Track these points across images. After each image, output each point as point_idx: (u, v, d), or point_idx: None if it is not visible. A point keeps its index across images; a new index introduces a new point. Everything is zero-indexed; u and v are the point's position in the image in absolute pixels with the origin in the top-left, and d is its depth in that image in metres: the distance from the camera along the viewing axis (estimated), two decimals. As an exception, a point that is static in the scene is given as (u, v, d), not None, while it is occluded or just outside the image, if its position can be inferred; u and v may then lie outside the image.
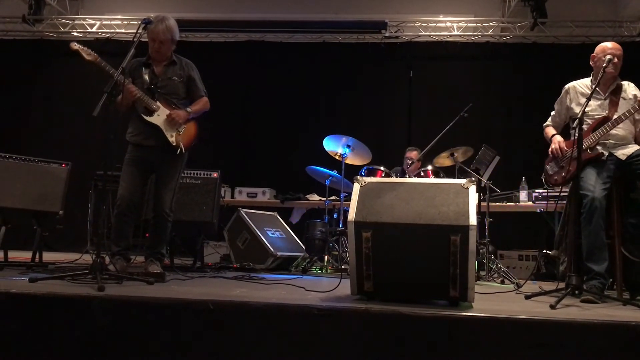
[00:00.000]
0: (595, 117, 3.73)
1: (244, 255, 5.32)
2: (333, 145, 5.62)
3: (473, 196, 2.77)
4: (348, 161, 5.65)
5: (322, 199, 6.24)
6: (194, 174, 4.87)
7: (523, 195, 6.17)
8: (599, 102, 3.77)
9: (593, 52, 3.87)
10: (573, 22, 7.65)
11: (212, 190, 4.87)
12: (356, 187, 2.91)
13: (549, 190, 5.66)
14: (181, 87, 4.02)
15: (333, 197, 6.19)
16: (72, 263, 4.48)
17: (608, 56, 3.64)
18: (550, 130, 4.04)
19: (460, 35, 7.96)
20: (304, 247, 5.69)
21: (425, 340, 2.35)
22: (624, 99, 3.76)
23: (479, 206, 4.97)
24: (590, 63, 3.89)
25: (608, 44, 3.82)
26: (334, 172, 5.74)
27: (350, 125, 6.98)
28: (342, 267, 5.01)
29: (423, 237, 2.72)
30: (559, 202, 4.57)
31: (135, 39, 3.47)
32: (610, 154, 3.67)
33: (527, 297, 3.26)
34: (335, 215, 5.93)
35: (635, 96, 3.73)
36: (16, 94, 8.16)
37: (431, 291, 2.83)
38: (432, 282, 2.77)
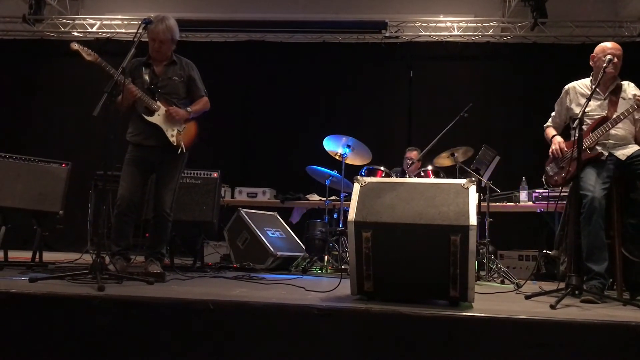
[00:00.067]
0: (595, 117, 3.73)
1: (244, 255, 5.32)
2: (333, 145, 5.62)
3: (473, 196, 2.78)
4: (348, 161, 5.65)
5: (322, 199, 6.24)
6: (194, 173, 4.87)
7: (523, 195, 6.17)
8: (598, 102, 3.77)
9: (593, 52, 3.87)
10: (573, 22, 7.65)
11: (212, 190, 4.87)
12: (356, 187, 2.91)
13: (549, 191, 5.66)
14: (181, 87, 4.02)
15: (333, 197, 6.19)
16: (72, 263, 4.48)
17: (608, 56, 3.65)
18: (550, 131, 4.04)
19: (460, 36, 7.95)
20: (304, 247, 5.69)
21: (425, 340, 2.35)
22: (624, 98, 3.76)
23: (479, 206, 4.97)
24: (590, 63, 3.89)
25: (608, 44, 3.82)
26: (334, 172, 5.74)
27: (351, 125, 6.98)
28: (342, 267, 5.01)
29: (423, 237, 2.72)
30: (559, 202, 4.57)
31: (135, 39, 3.47)
32: (610, 154, 3.67)
33: (527, 297, 3.26)
34: (335, 215, 5.93)
35: (635, 96, 3.72)
36: (16, 94, 8.16)
37: (431, 291, 2.83)
38: (432, 282, 2.77)
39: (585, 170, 3.60)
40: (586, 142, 3.64)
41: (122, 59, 3.38)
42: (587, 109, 3.51)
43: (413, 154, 6.11)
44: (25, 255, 4.53)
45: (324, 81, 7.93)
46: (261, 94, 8.09)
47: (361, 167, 5.28)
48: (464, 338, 2.35)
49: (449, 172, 5.32)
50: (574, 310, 2.84)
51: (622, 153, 3.66)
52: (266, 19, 8.00)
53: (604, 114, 3.72)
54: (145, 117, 3.85)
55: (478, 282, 4.43)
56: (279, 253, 5.22)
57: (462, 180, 2.85)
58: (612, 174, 3.62)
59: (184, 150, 3.96)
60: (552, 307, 2.81)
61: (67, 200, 4.47)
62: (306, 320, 2.39)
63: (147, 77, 3.91)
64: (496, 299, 3.35)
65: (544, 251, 4.65)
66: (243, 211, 5.55)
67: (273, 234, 5.58)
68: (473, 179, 2.89)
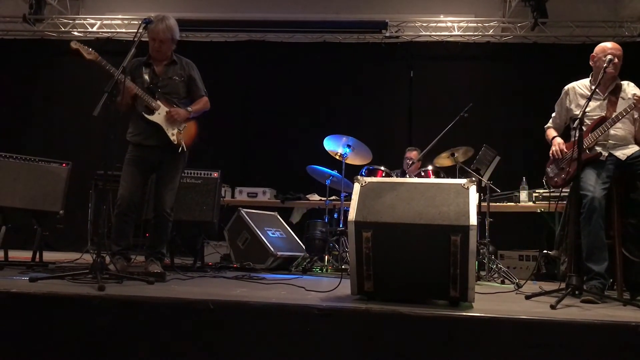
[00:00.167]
0: (594, 117, 3.73)
1: (244, 255, 5.32)
2: (333, 145, 5.62)
3: (473, 196, 2.78)
4: (348, 161, 5.65)
5: (323, 198, 6.23)
6: (194, 173, 4.87)
7: (523, 195, 6.17)
8: (597, 103, 3.77)
9: (593, 52, 3.87)
10: (574, 22, 7.64)
11: (212, 190, 4.86)
12: (356, 187, 2.91)
13: (550, 191, 5.65)
14: (182, 86, 4.02)
15: (333, 197, 6.19)
16: (73, 263, 4.47)
17: (609, 56, 3.64)
18: (551, 132, 4.04)
19: (460, 35, 7.95)
20: (304, 247, 5.69)
21: (425, 340, 2.35)
22: (623, 98, 3.76)
23: (479, 206, 4.97)
24: (590, 63, 3.89)
25: (608, 44, 3.82)
26: (335, 172, 5.74)
27: (351, 125, 6.98)
28: (342, 267, 5.01)
29: (423, 237, 2.72)
30: (560, 202, 4.57)
31: (135, 39, 3.47)
32: (610, 154, 3.67)
33: (528, 297, 3.27)
34: (335, 215, 5.92)
35: (634, 95, 3.72)
36: (16, 94, 8.15)
37: (431, 291, 2.83)
38: (432, 282, 2.77)
39: (585, 170, 3.60)
40: (585, 143, 3.64)
41: (122, 58, 3.38)
42: (586, 109, 3.51)
43: (413, 154, 6.11)
44: (25, 255, 4.53)
45: (324, 81, 7.93)
46: (261, 93, 8.08)
47: (361, 167, 5.28)
48: (464, 338, 2.35)
49: (449, 172, 5.32)
50: (574, 311, 2.84)
51: (623, 153, 3.66)
52: (266, 19, 7.99)
53: (603, 114, 3.72)
54: (146, 115, 3.86)
55: (478, 282, 4.43)
56: (279, 253, 5.22)
57: (463, 180, 2.85)
58: (612, 174, 3.62)
59: (184, 150, 3.96)
60: (553, 307, 2.81)
61: (68, 200, 4.47)
62: (306, 320, 2.39)
63: (147, 77, 3.91)
64: (496, 299, 3.35)
65: (544, 251, 4.65)
66: (243, 211, 5.56)
67: (273, 233, 5.58)
68: (473, 179, 2.89)
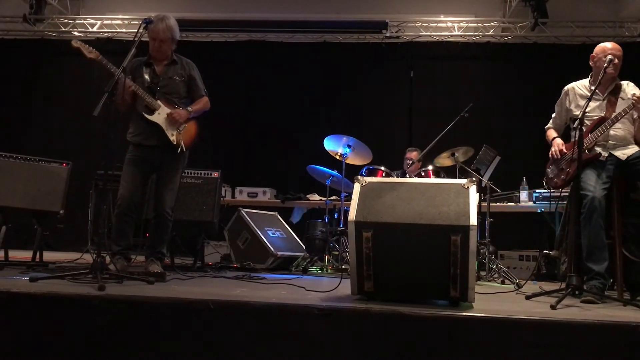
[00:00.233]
0: (593, 118, 3.73)
1: (245, 255, 5.32)
2: (333, 145, 5.62)
3: (474, 196, 2.78)
4: (348, 161, 5.64)
5: (323, 198, 6.23)
6: (194, 173, 4.87)
7: (524, 195, 6.17)
8: (597, 103, 3.77)
9: (593, 53, 3.87)
10: (574, 22, 7.64)
11: (212, 190, 4.86)
12: (357, 187, 2.91)
13: (550, 191, 5.65)
14: (182, 86, 4.03)
15: (333, 197, 6.18)
16: (73, 262, 4.47)
17: (609, 56, 3.64)
18: (551, 133, 4.04)
19: (461, 36, 7.95)
20: (304, 247, 5.69)
21: (425, 340, 2.35)
22: (623, 98, 3.76)
23: (479, 206, 4.97)
24: (590, 63, 3.88)
25: (608, 44, 3.82)
26: (335, 172, 5.74)
27: (351, 125, 6.96)
28: (343, 267, 5.01)
29: (423, 237, 2.72)
30: (560, 202, 4.57)
31: (136, 39, 3.47)
32: (610, 155, 3.67)
33: (528, 298, 3.26)
34: (335, 215, 5.92)
35: (634, 95, 3.72)
36: (17, 94, 8.16)
37: (431, 291, 2.83)
38: (432, 282, 2.77)
39: (585, 170, 3.60)
40: (585, 143, 3.63)
41: (122, 58, 3.39)
42: (586, 110, 3.50)
43: (413, 154, 6.11)
44: (25, 255, 4.53)
45: (324, 81, 7.92)
46: (262, 93, 8.09)
47: (361, 167, 5.28)
48: (464, 338, 2.35)
49: (449, 172, 5.32)
50: (575, 311, 2.84)
51: (623, 153, 3.66)
52: (267, 19, 8.00)
53: (602, 114, 3.72)
54: (146, 115, 3.86)
55: (478, 282, 4.43)
56: (279, 253, 5.22)
57: (463, 180, 2.85)
58: (612, 174, 3.62)
59: (184, 150, 3.97)
60: (553, 307, 2.81)
61: (68, 200, 4.47)
62: (306, 320, 2.39)
63: (147, 77, 3.91)
64: (496, 299, 3.35)
65: (545, 251, 4.65)
66: (243, 211, 5.55)
67: (273, 233, 5.58)
68: (473, 179, 2.89)
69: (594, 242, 3.44)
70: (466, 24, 7.92)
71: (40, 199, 4.33)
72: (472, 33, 7.95)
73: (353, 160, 5.69)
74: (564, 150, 3.82)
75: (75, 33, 8.24)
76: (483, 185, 5.09)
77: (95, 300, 2.50)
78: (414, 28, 8.00)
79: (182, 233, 4.82)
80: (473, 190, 2.80)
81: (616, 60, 3.68)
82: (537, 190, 6.02)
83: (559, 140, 3.92)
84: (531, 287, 4.09)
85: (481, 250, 4.85)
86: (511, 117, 7.64)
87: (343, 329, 2.39)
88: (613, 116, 3.64)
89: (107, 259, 3.45)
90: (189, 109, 4.00)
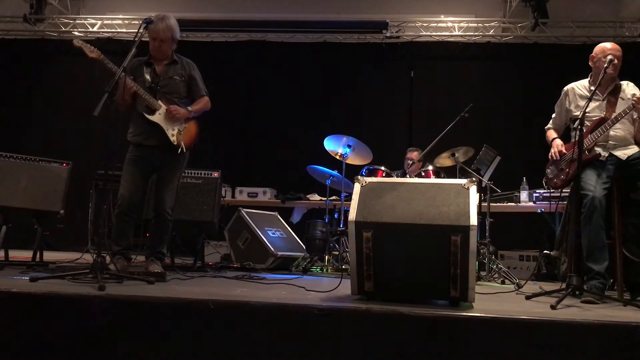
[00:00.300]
0: (593, 118, 3.72)
1: (245, 255, 5.32)
2: (334, 145, 5.62)
3: (474, 196, 2.78)
4: (349, 161, 5.64)
5: (323, 198, 6.23)
6: (194, 173, 4.87)
7: (524, 195, 6.17)
8: (597, 104, 3.76)
9: (592, 53, 3.87)
10: (574, 22, 7.64)
11: (212, 190, 4.86)
12: (357, 187, 2.91)
13: (550, 191, 5.65)
14: (182, 86, 4.02)
15: (334, 197, 6.19)
16: (73, 262, 4.47)
17: (609, 57, 3.64)
18: (551, 134, 4.04)
19: (461, 36, 7.95)
20: (304, 247, 5.69)
21: (425, 340, 2.35)
22: (622, 99, 3.75)
23: (479, 206, 4.97)
24: (590, 64, 3.88)
25: (607, 45, 3.81)
26: (335, 172, 5.73)
27: (351, 125, 6.96)
28: (343, 267, 5.01)
29: (424, 237, 2.72)
30: (560, 202, 4.57)
31: (136, 39, 3.47)
32: (611, 155, 3.67)
33: (528, 298, 3.26)
34: (336, 215, 5.92)
35: (634, 95, 3.72)
36: (17, 93, 8.16)
37: (432, 291, 2.83)
38: (432, 282, 2.77)
39: (585, 170, 3.60)
40: (585, 144, 3.63)
41: (123, 58, 3.38)
42: (586, 110, 3.50)
43: (414, 155, 6.11)
44: (25, 255, 4.53)
45: (324, 81, 7.93)
46: (262, 93, 8.09)
47: (362, 167, 5.28)
48: (464, 338, 2.35)
49: (449, 172, 5.32)
50: (575, 311, 2.84)
51: (623, 153, 3.66)
52: (267, 19, 8.00)
53: (602, 114, 3.72)
54: (146, 115, 3.86)
55: (478, 282, 4.43)
56: (279, 253, 5.22)
57: (463, 181, 2.85)
58: (612, 174, 3.62)
59: (185, 150, 3.96)
60: (553, 307, 2.81)
61: (68, 200, 4.48)
62: (306, 320, 2.39)
63: (148, 77, 3.91)
64: (497, 299, 3.35)
65: (545, 251, 4.65)
66: (244, 211, 5.56)
67: (273, 233, 5.58)
68: (474, 179, 2.89)
69: (594, 242, 3.44)
70: (466, 24, 7.92)
71: (41, 198, 4.33)
72: (472, 33, 7.95)
73: (353, 160, 5.69)
74: (564, 151, 3.82)
75: (76, 33, 8.24)
76: (483, 185, 5.09)
77: (96, 300, 2.50)
78: (414, 28, 8.00)
79: (182, 233, 4.82)
80: (473, 190, 2.80)
81: (616, 61, 3.68)
82: (537, 191, 6.02)
83: (558, 141, 3.92)
84: (531, 287, 4.09)
85: (481, 251, 4.85)
86: (511, 117, 7.64)
87: (343, 329, 2.39)
88: (613, 117, 3.63)
89: (108, 258, 3.45)
90: (189, 108, 4.00)
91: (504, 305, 3.09)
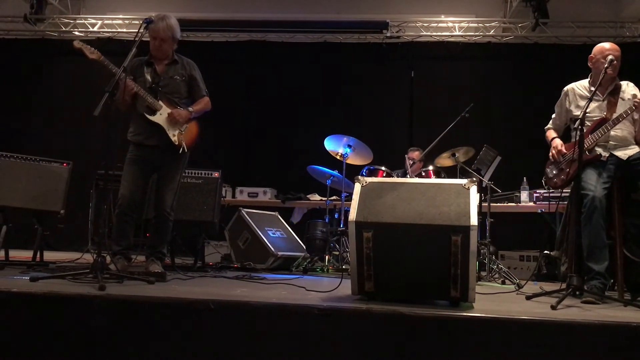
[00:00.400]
0: (594, 118, 3.72)
1: (245, 255, 5.32)
2: (334, 145, 5.62)
3: (474, 196, 2.77)
4: (349, 161, 5.64)
5: (323, 198, 6.23)
6: (195, 173, 4.87)
7: (524, 195, 6.17)
8: (597, 104, 3.76)
9: (591, 54, 3.86)
10: (575, 22, 7.64)
11: (213, 189, 4.86)
12: (357, 187, 2.91)
13: (550, 191, 5.65)
14: (183, 86, 4.02)
15: (334, 197, 6.19)
16: (73, 262, 4.47)
17: (610, 57, 3.63)
18: (550, 134, 4.04)
19: (461, 36, 7.95)
20: (304, 247, 5.69)
21: (425, 340, 2.35)
22: (623, 99, 3.75)
23: (480, 206, 4.97)
24: (589, 64, 3.87)
25: (606, 45, 3.81)
26: (335, 172, 5.73)
27: (352, 125, 6.96)
28: (343, 267, 5.01)
29: (424, 237, 2.72)
30: (560, 202, 4.57)
31: (136, 39, 3.47)
32: (611, 155, 3.66)
33: (528, 298, 3.26)
34: (336, 215, 5.92)
35: (634, 95, 3.72)
36: (17, 93, 8.16)
37: (432, 291, 2.83)
38: (433, 282, 2.77)
39: (586, 170, 3.59)
40: (585, 144, 3.62)
41: (123, 58, 3.38)
42: (586, 110, 3.50)
43: (415, 154, 6.10)
44: (26, 255, 4.53)
45: (325, 81, 7.93)
46: (262, 93, 8.09)
47: (362, 167, 5.28)
48: (464, 338, 2.35)
49: (450, 172, 5.32)
50: (575, 311, 2.83)
51: (624, 153, 3.66)
52: (267, 19, 8.00)
53: (603, 115, 3.72)
54: (147, 116, 3.86)
55: (479, 282, 4.43)
56: (279, 253, 5.22)
57: (463, 181, 2.85)
58: (613, 174, 3.62)
59: (186, 150, 3.96)
60: (553, 307, 2.81)
61: (68, 200, 4.47)
62: (307, 320, 2.39)
63: (148, 76, 3.91)
64: (497, 299, 3.35)
65: (545, 252, 4.64)
66: (244, 211, 5.56)
67: (274, 233, 5.58)
68: (474, 179, 2.89)
69: (595, 242, 3.44)
70: (467, 24, 7.93)
71: (41, 198, 4.33)
72: (472, 33, 7.96)
73: (353, 160, 5.69)
74: (564, 150, 3.82)
75: (76, 33, 8.25)
76: (484, 185, 5.09)
77: (96, 300, 2.50)
78: (414, 28, 8.01)
79: (182, 233, 4.82)
80: (474, 190, 2.80)
81: (615, 61, 3.68)
82: (538, 191, 6.02)
83: (558, 141, 3.91)
84: (532, 287, 4.09)
85: (482, 251, 4.85)
86: (512, 117, 7.64)
87: (343, 329, 2.39)
88: (614, 117, 3.63)
89: (108, 258, 3.45)
90: (190, 109, 3.99)
91: (505, 305, 3.08)
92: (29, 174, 4.34)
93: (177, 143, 3.91)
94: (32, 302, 2.51)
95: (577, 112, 3.68)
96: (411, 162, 5.99)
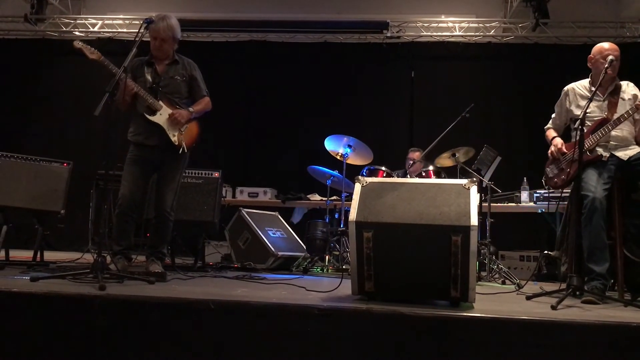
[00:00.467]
0: (595, 118, 3.72)
1: (245, 255, 5.32)
2: (334, 145, 5.62)
3: (474, 196, 2.77)
4: (349, 161, 5.64)
5: (324, 199, 6.23)
6: (195, 173, 4.87)
7: (524, 195, 6.17)
8: (597, 104, 3.76)
9: (590, 54, 3.86)
10: (575, 22, 7.64)
11: (213, 189, 4.86)
12: (357, 187, 2.91)
13: (551, 191, 5.65)
14: (183, 86, 4.02)
15: (334, 197, 6.19)
16: (74, 262, 4.47)
17: (610, 57, 3.63)
18: (550, 133, 4.04)
19: (462, 36, 7.95)
20: (305, 247, 5.69)
21: (426, 340, 2.35)
22: (623, 99, 3.75)
23: (480, 207, 4.97)
24: (588, 65, 3.87)
25: (605, 45, 3.80)
26: (335, 172, 5.74)
27: (352, 125, 6.95)
28: (343, 267, 5.01)
29: (424, 238, 2.72)
30: (560, 202, 4.57)
31: (137, 39, 3.47)
32: (612, 155, 3.66)
33: (528, 298, 3.26)
34: (336, 215, 5.92)
35: (635, 96, 3.72)
36: (18, 93, 8.16)
37: (432, 291, 2.83)
38: (433, 282, 2.77)
39: (586, 170, 3.59)
40: (586, 144, 3.62)
41: (123, 58, 3.38)
42: (587, 111, 3.50)
43: (416, 155, 6.10)
44: (26, 255, 4.53)
45: (325, 81, 7.93)
46: (263, 93, 8.10)
47: (362, 167, 5.28)
48: (464, 338, 2.35)
49: (450, 172, 5.32)
50: (575, 311, 2.83)
51: (625, 154, 3.65)
52: (268, 19, 8.00)
53: (603, 115, 3.71)
54: (147, 116, 3.86)
55: (479, 282, 4.43)
56: (280, 253, 5.22)
57: (464, 181, 2.85)
58: (613, 174, 3.61)
59: (186, 150, 3.96)
60: (553, 307, 2.81)
61: (69, 200, 4.47)
62: (307, 320, 2.39)
63: (149, 77, 3.91)
64: (497, 299, 3.35)
65: (545, 252, 4.64)
66: (244, 211, 5.56)
67: (274, 233, 5.58)
68: (474, 179, 2.89)
69: (595, 243, 3.44)
70: (467, 24, 7.92)
71: (41, 198, 4.33)
72: (473, 33, 7.96)
73: (354, 160, 5.69)
74: (564, 149, 3.81)
75: (76, 33, 8.25)
76: (484, 185, 5.09)
77: (96, 300, 2.50)
78: (415, 28, 8.01)
79: (182, 233, 4.82)
80: (474, 190, 2.80)
81: (615, 61, 3.67)
82: (538, 191, 6.02)
83: (558, 140, 3.91)
84: (532, 287, 4.09)
85: (482, 251, 4.85)
86: (512, 117, 7.65)
87: (343, 329, 2.39)
88: (615, 118, 3.63)
89: (108, 258, 3.46)
90: (191, 109, 3.99)
91: (505, 305, 3.08)
92: (29, 174, 4.34)
93: (177, 143, 3.91)
94: (33, 302, 2.51)
95: (578, 112, 3.68)
96: (411, 162, 5.99)
